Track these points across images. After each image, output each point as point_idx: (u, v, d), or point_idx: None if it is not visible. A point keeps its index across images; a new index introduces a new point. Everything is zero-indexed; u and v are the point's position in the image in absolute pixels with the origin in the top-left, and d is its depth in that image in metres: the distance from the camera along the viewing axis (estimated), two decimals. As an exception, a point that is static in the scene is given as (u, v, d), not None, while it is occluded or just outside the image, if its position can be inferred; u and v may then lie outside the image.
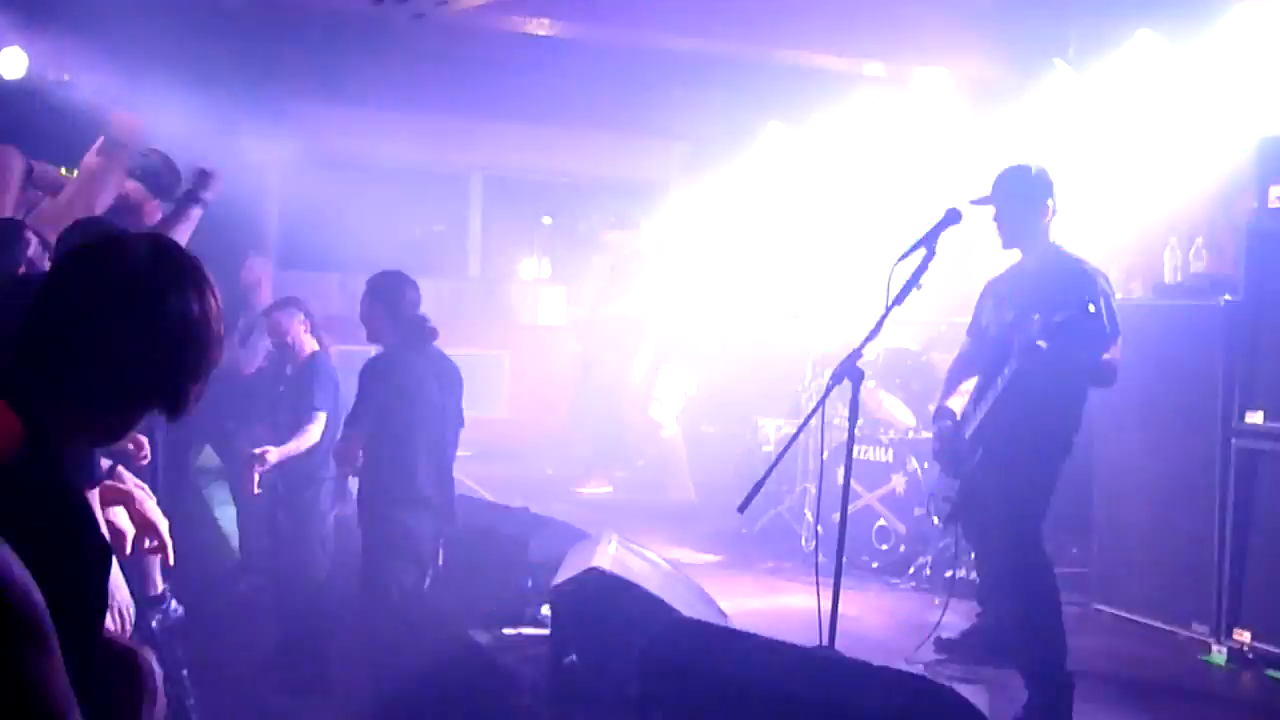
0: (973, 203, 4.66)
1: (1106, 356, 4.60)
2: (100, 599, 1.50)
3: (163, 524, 3.01)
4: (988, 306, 4.92)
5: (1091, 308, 4.21)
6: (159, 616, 4.00)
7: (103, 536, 1.52)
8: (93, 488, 2.58)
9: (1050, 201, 4.70)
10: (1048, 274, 4.63)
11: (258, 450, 5.64)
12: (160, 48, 7.52)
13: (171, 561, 3.13)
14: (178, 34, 7.45)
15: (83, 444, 1.63)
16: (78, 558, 1.44)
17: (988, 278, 5.11)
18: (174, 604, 4.21)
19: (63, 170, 5.24)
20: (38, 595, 1.21)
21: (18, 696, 1.17)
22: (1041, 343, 4.25)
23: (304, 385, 6.04)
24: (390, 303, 5.14)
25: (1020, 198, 4.69)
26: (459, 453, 5.53)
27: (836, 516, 4.14)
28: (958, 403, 4.93)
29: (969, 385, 4.91)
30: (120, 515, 2.88)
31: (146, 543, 2.96)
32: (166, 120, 7.92)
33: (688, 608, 4.33)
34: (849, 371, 3.90)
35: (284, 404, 6.25)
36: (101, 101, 7.49)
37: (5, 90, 7.30)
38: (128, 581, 3.15)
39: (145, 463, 4.73)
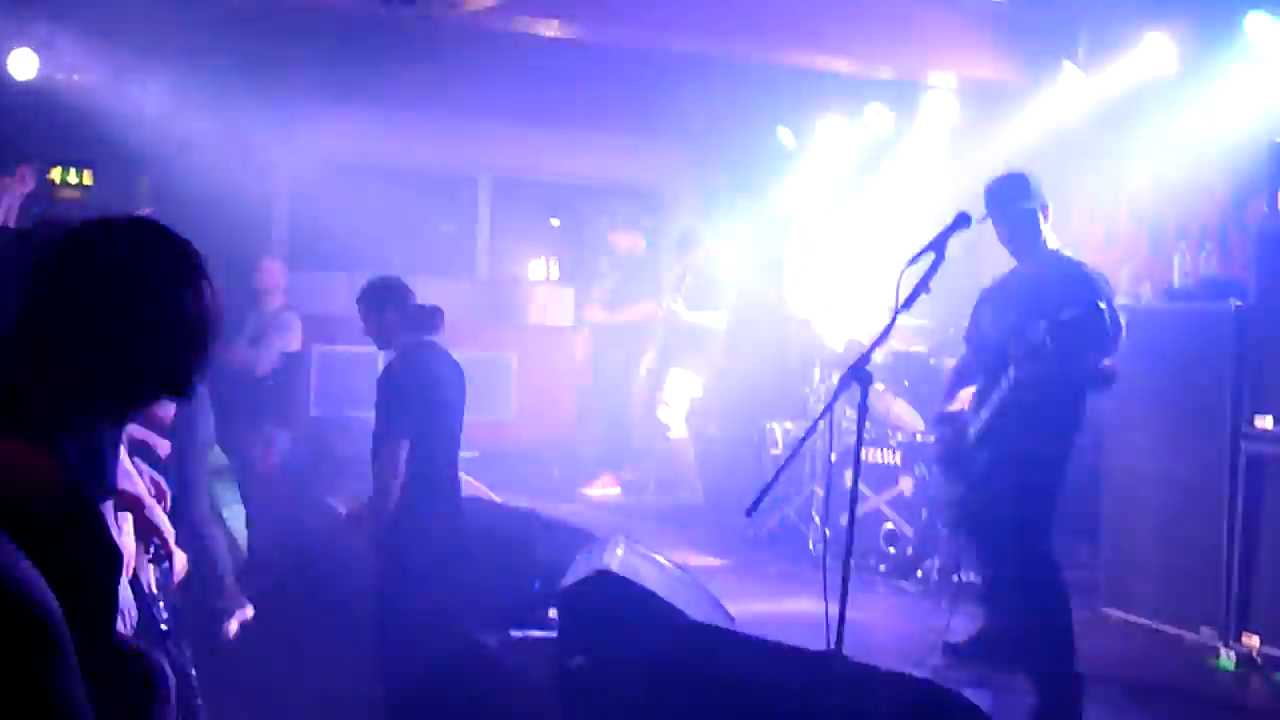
0: (978, 221, 4.67)
1: (1107, 362, 4.60)
2: (111, 603, 1.50)
3: (169, 532, 3.00)
4: (985, 313, 4.91)
5: (1102, 304, 4.21)
6: (165, 615, 3.98)
7: (113, 540, 1.51)
8: (108, 498, 2.57)
9: (1043, 207, 4.69)
10: (1048, 277, 4.63)
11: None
12: (170, 49, 7.55)
13: (179, 568, 3.12)
14: (187, 35, 7.47)
15: (88, 429, 1.60)
16: (89, 561, 1.44)
17: (983, 286, 5.11)
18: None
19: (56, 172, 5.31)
20: (55, 604, 1.21)
21: (36, 706, 1.17)
22: (1047, 339, 4.25)
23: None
24: (397, 304, 5.11)
25: (1017, 208, 4.69)
26: (466, 454, 5.53)
27: (844, 519, 4.13)
28: (957, 409, 4.93)
29: (967, 393, 4.91)
30: (125, 522, 2.87)
31: (150, 550, 2.95)
32: (176, 121, 7.97)
33: (695, 611, 4.32)
34: (858, 375, 3.89)
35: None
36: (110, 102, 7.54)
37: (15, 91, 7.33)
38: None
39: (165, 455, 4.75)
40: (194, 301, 1.63)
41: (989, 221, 4.71)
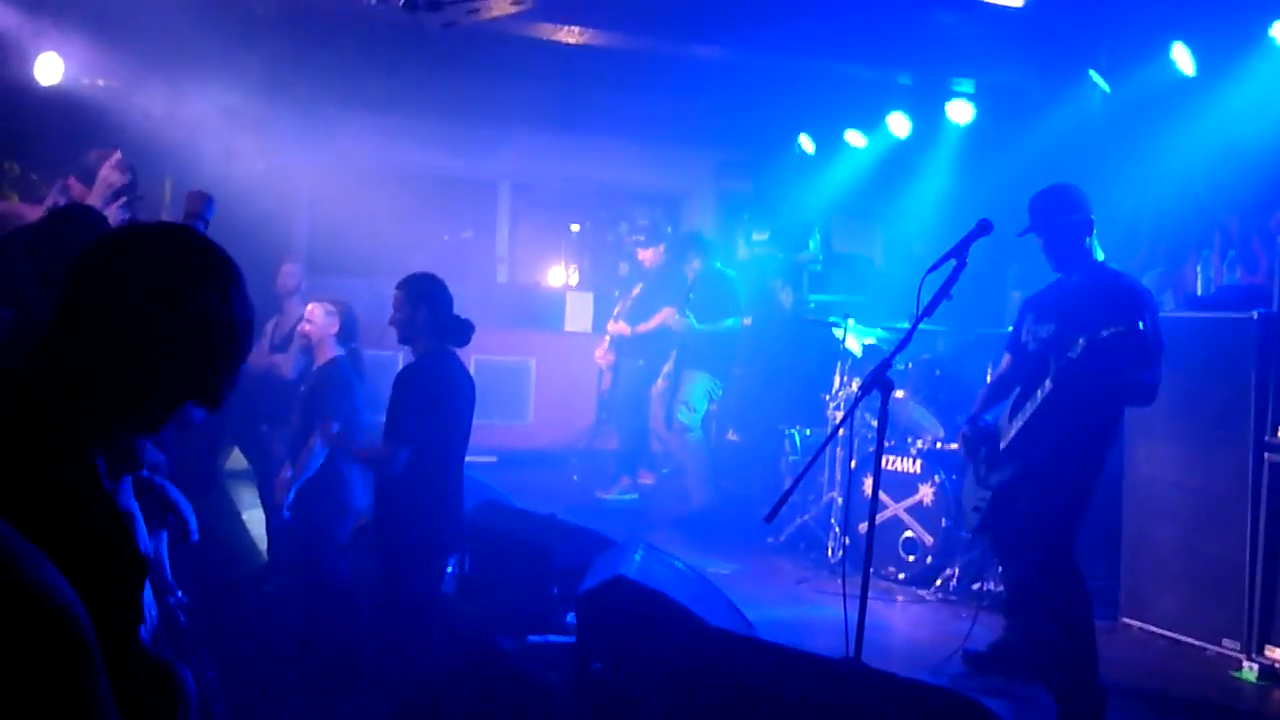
0: (1019, 235, 4.67)
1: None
2: (135, 611, 1.49)
3: (185, 503, 3.01)
4: (1027, 322, 4.89)
5: (1141, 324, 4.17)
6: (181, 608, 3.97)
7: (139, 548, 1.51)
8: (132, 471, 2.59)
9: (1088, 219, 4.67)
10: (1092, 290, 4.59)
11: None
12: (193, 55, 7.59)
13: (195, 537, 3.13)
14: (210, 41, 7.52)
15: (114, 441, 1.59)
16: (115, 572, 1.44)
17: (1024, 294, 5.09)
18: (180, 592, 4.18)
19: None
20: (84, 614, 1.21)
21: (71, 717, 1.18)
22: (1084, 357, 4.22)
23: (318, 391, 6.08)
24: (434, 308, 5.08)
25: (1062, 220, 4.65)
26: (485, 458, 5.53)
27: (863, 527, 4.12)
28: (990, 416, 4.92)
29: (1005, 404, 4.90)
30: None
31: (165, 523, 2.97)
32: (199, 126, 8.02)
33: (713, 617, 4.31)
34: (878, 381, 3.88)
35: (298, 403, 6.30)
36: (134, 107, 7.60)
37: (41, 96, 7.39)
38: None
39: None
40: (227, 311, 1.62)
41: (1013, 230, 4.70)
